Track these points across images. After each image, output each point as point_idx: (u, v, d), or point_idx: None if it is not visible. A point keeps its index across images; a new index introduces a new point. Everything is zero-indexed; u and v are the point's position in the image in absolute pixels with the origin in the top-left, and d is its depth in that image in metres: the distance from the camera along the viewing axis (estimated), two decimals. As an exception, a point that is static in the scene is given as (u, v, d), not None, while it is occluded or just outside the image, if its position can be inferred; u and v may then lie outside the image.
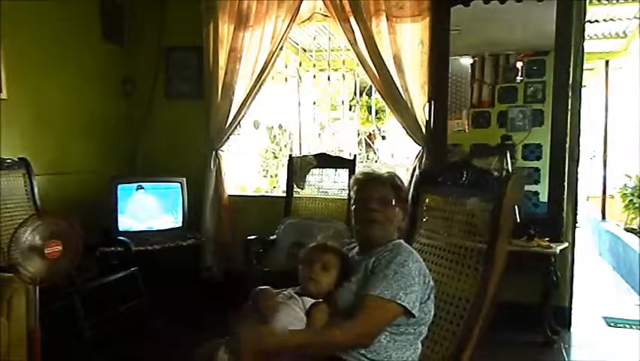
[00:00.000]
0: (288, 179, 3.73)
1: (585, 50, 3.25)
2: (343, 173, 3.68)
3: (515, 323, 2.84)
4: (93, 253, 2.99)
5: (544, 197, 3.33)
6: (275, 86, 4.99)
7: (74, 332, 2.58)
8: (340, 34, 3.62)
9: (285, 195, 3.73)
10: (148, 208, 3.51)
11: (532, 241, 3.02)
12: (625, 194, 5.45)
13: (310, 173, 3.71)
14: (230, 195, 3.90)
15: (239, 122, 3.84)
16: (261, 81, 3.70)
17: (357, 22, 3.43)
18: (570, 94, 3.17)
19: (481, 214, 1.57)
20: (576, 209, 3.34)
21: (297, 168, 3.69)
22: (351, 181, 1.74)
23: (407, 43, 3.44)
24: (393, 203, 1.61)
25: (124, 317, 2.94)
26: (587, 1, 3.53)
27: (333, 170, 3.78)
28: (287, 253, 3.12)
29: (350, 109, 6.01)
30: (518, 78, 3.59)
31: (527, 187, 3.47)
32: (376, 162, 5.93)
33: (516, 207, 3.14)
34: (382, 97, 3.57)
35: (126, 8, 4.06)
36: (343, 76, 5.60)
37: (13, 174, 2.91)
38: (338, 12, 3.48)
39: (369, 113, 6.27)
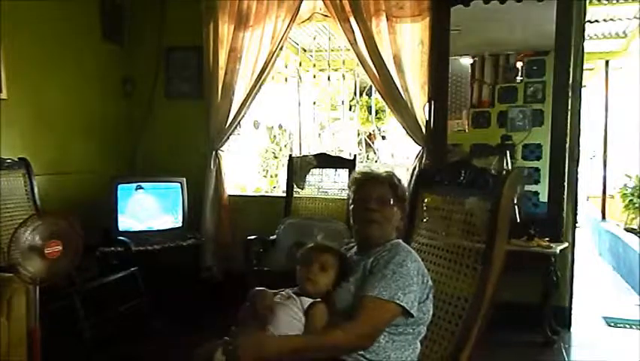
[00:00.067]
0: (288, 179, 3.73)
1: (585, 50, 3.25)
2: (343, 173, 3.69)
3: (515, 323, 2.85)
4: (93, 253, 2.99)
5: (544, 197, 3.33)
6: (275, 86, 4.99)
7: (74, 332, 2.58)
8: (340, 34, 3.62)
9: (285, 195, 3.74)
10: (148, 208, 3.51)
11: (532, 241, 3.02)
12: (625, 194, 5.44)
13: (310, 173, 3.71)
14: (230, 195, 3.90)
15: (239, 122, 3.84)
16: (261, 81, 3.70)
17: (357, 22, 3.43)
18: (570, 94, 3.17)
19: (480, 213, 1.57)
20: (576, 209, 3.34)
21: (297, 168, 3.69)
22: (350, 181, 1.74)
23: (407, 43, 3.44)
24: (392, 203, 1.61)
25: (124, 317, 2.94)
26: (587, 1, 3.53)
27: (333, 170, 3.79)
28: (287, 253, 3.12)
29: (350, 109, 6.01)
30: (518, 78, 3.59)
31: (527, 187, 3.48)
32: (376, 162, 5.93)
33: (516, 207, 3.16)
34: (382, 97, 3.57)
35: (126, 8, 4.06)
36: (343, 76, 5.60)
37: (13, 174, 2.91)
38: (338, 12, 3.48)
39: (369, 113, 6.27)
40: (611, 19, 4.78)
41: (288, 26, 3.61)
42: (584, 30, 3.24)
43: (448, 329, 1.57)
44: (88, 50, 3.74)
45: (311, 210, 3.61)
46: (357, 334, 1.42)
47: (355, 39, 3.47)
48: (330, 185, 3.74)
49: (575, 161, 3.24)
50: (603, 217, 6.28)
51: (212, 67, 3.77)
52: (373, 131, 6.35)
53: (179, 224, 3.58)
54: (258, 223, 3.62)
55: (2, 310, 2.06)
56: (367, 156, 6.03)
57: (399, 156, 5.55)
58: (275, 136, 5.54)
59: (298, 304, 1.50)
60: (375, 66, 3.44)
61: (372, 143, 6.26)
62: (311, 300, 1.51)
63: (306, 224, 3.28)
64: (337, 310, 1.51)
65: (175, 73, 4.09)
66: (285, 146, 5.50)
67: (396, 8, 3.43)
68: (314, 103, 5.72)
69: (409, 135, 3.48)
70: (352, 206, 1.67)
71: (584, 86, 3.35)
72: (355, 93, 5.88)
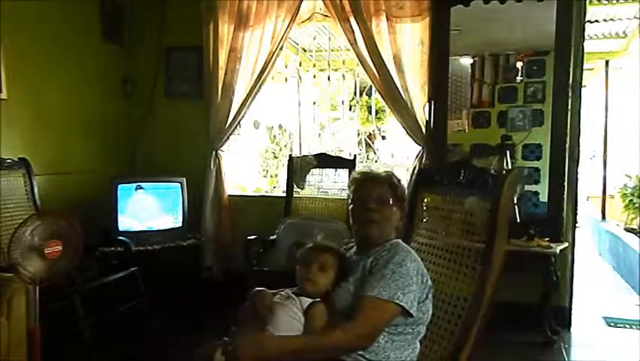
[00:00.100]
0: (288, 179, 3.73)
1: (585, 50, 3.25)
2: (343, 173, 3.69)
3: (515, 323, 2.85)
4: (93, 253, 2.99)
5: (544, 197, 3.33)
6: (275, 86, 5.00)
7: (74, 332, 2.58)
8: (340, 34, 3.62)
9: (285, 195, 3.74)
10: (148, 208, 3.51)
11: (532, 241, 3.02)
12: (625, 194, 5.44)
13: (310, 173, 3.71)
14: (230, 195, 3.90)
15: (239, 122, 3.84)
16: (261, 81, 3.70)
17: (357, 22, 3.44)
18: (570, 94, 3.17)
19: (479, 213, 1.57)
20: (576, 209, 3.33)
21: (297, 168, 3.70)
22: (349, 181, 1.74)
23: (407, 43, 3.44)
24: (391, 202, 1.62)
25: (124, 317, 2.94)
26: (587, 1, 3.53)
27: (333, 170, 3.79)
28: (287, 253, 3.12)
29: (350, 109, 6.01)
30: (518, 78, 3.59)
31: (527, 187, 3.48)
32: (376, 162, 5.94)
33: (516, 207, 3.16)
34: (382, 97, 3.57)
35: (126, 8, 4.06)
36: (343, 76, 5.60)
37: (13, 174, 2.91)
38: (338, 12, 3.48)
39: (369, 113, 6.27)
40: (611, 19, 4.78)
41: (288, 26, 3.61)
42: (584, 30, 3.24)
43: (447, 329, 1.56)
44: (88, 50, 3.74)
45: (311, 210, 3.61)
46: (356, 334, 1.42)
47: (355, 39, 3.47)
48: (330, 185, 3.74)
49: (575, 161, 3.24)
50: (603, 217, 6.28)
51: (212, 67, 3.77)
52: (373, 131, 6.35)
53: (179, 224, 3.58)
54: (258, 223, 3.62)
55: (2, 310, 2.06)
56: (367, 156, 6.04)
57: (399, 156, 5.55)
58: (275, 136, 5.54)
59: (298, 304, 1.51)
60: (375, 66, 3.44)
61: (372, 143, 6.26)
62: (310, 300, 1.51)
63: (306, 224, 3.28)
64: (337, 310, 1.51)
65: (175, 73, 4.09)
66: (285, 146, 5.50)
67: (396, 8, 3.43)
68: (314, 103, 5.72)
69: (409, 135, 3.48)
70: (351, 206, 1.67)
71: (584, 86, 3.35)
72: (355, 93, 5.89)
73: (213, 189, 3.83)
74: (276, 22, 3.63)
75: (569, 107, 3.17)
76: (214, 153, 3.81)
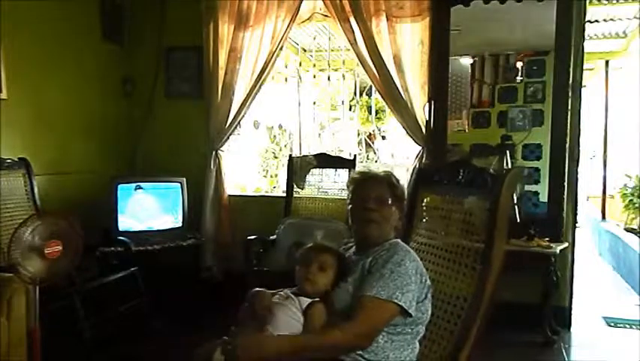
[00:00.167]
0: (288, 179, 3.73)
1: (585, 50, 3.25)
2: (343, 173, 3.69)
3: (515, 323, 2.85)
4: (93, 253, 2.99)
5: (544, 197, 3.33)
6: (275, 86, 5.00)
7: (74, 332, 2.58)
8: (340, 34, 3.62)
9: (285, 195, 3.74)
10: (148, 208, 3.51)
11: (532, 241, 3.02)
12: (625, 194, 5.44)
13: (310, 173, 3.71)
14: (230, 195, 3.90)
15: (239, 122, 3.84)
16: (261, 81, 3.70)
17: (357, 22, 3.43)
18: (570, 94, 3.17)
19: (479, 213, 1.57)
20: (576, 209, 3.33)
21: (297, 168, 3.70)
22: (348, 181, 1.74)
23: (407, 43, 3.44)
24: (390, 202, 1.62)
25: (124, 317, 2.94)
26: (587, 1, 3.53)
27: (333, 170, 3.79)
28: (287, 253, 3.12)
29: (350, 109, 6.01)
30: (518, 78, 3.59)
31: (527, 187, 3.48)
32: (376, 162, 5.94)
33: (516, 207, 3.16)
34: (382, 97, 3.57)
35: (126, 8, 4.06)
36: (343, 76, 5.60)
37: (13, 174, 2.91)
38: (338, 12, 3.48)
39: (369, 113, 6.27)
40: (611, 19, 4.78)
41: (288, 26, 3.61)
42: (584, 30, 3.24)
43: (447, 329, 1.56)
44: (88, 50, 3.74)
45: (311, 210, 3.61)
46: (355, 334, 1.42)
47: (355, 39, 3.47)
48: (330, 185, 3.74)
49: (575, 161, 3.24)
50: (603, 217, 6.28)
51: (212, 67, 3.77)
52: (373, 131, 6.35)
53: (179, 224, 3.58)
54: (258, 223, 3.62)
55: (2, 310, 2.06)
56: (367, 156, 6.03)
57: (399, 156, 5.55)
58: (275, 136, 5.54)
59: (297, 304, 1.51)
60: (375, 66, 3.44)
61: (372, 143, 6.26)
62: (309, 300, 1.51)
63: (306, 224, 3.28)
64: (336, 310, 1.51)
65: (175, 73, 4.09)
66: (285, 146, 5.50)
67: (396, 8, 3.43)
68: (314, 103, 5.72)
69: (409, 135, 3.48)
70: (351, 206, 1.67)
71: (584, 86, 3.35)
72: (355, 93, 5.88)
73: (213, 189, 3.83)
74: (276, 22, 3.63)
75: (569, 107, 3.17)
76: (214, 153, 3.81)
